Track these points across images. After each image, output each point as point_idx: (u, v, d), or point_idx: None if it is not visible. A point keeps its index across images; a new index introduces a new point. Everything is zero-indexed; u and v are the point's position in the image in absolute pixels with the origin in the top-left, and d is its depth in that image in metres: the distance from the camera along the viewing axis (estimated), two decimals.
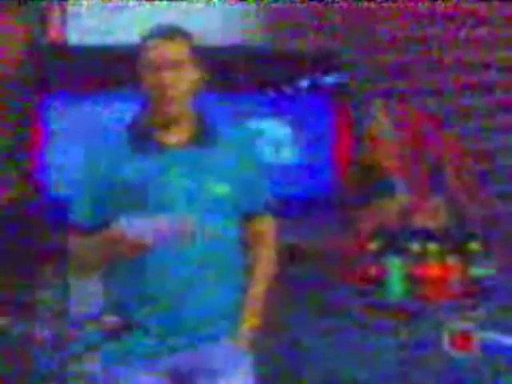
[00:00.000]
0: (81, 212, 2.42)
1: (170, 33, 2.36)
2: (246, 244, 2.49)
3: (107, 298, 2.45)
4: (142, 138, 2.39)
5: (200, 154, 2.38)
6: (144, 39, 2.38)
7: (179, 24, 2.45)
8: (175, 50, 2.34)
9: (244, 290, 2.46)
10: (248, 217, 2.48)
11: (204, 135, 2.41)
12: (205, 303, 2.34)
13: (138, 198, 2.32)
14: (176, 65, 2.32)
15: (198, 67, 2.40)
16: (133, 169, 2.35)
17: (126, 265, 2.31)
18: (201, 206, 2.34)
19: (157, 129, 2.39)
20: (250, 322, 2.44)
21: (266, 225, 2.54)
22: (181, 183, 2.34)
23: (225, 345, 2.40)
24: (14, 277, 4.10)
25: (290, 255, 3.53)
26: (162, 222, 2.18)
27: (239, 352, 2.43)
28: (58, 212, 4.22)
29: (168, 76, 2.32)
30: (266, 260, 2.52)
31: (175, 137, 2.39)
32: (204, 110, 2.46)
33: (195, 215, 2.25)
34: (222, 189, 2.38)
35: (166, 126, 2.39)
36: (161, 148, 2.37)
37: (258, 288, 2.48)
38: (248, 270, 2.49)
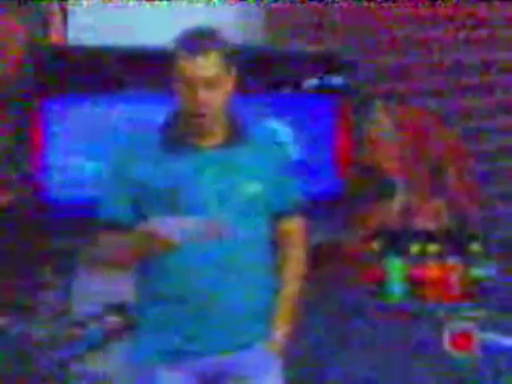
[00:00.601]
0: (116, 211, 2.41)
1: (202, 46, 2.27)
2: (276, 244, 2.48)
3: (137, 298, 2.44)
4: (175, 140, 2.38)
5: (233, 155, 2.37)
6: (176, 48, 2.29)
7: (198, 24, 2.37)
8: (209, 67, 2.27)
9: (275, 290, 2.43)
10: (278, 216, 2.45)
11: (236, 136, 2.41)
12: (236, 304, 2.32)
13: (170, 199, 2.31)
14: (210, 83, 2.28)
15: (231, 74, 2.34)
16: (165, 170, 2.34)
17: (156, 265, 2.31)
18: (233, 208, 2.33)
19: (190, 134, 2.38)
20: (283, 326, 2.41)
21: (296, 224, 2.50)
22: (214, 185, 2.34)
23: (257, 350, 2.38)
24: (13, 277, 4.10)
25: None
26: (192, 222, 2.20)
27: (271, 357, 2.41)
28: (57, 213, 4.24)
29: (202, 94, 2.28)
30: (295, 260, 2.48)
31: (209, 141, 2.39)
32: (235, 110, 2.44)
33: (227, 216, 2.26)
34: (254, 188, 2.37)
35: (200, 134, 2.38)
36: (195, 150, 2.36)
37: (289, 288, 2.44)
38: (278, 270, 2.45)
